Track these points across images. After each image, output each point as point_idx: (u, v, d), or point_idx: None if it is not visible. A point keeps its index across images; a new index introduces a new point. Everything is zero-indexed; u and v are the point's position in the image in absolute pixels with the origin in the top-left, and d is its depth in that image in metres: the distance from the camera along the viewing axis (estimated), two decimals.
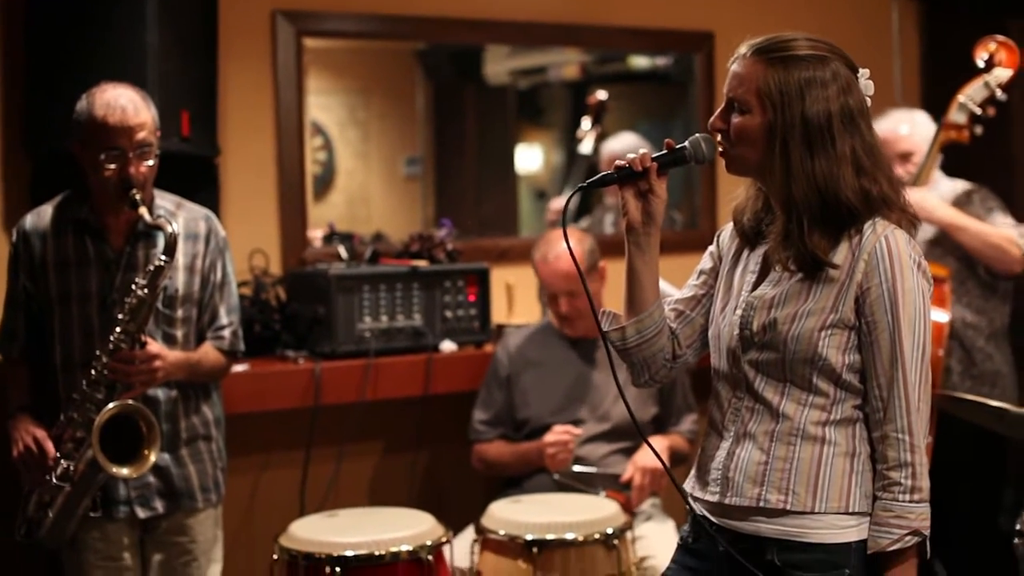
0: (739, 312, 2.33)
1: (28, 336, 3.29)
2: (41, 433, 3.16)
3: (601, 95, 5.17)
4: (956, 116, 4.06)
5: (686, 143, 2.37)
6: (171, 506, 3.29)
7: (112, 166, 3.10)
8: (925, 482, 2.22)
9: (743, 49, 2.29)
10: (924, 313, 2.22)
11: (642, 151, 2.35)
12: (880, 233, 2.22)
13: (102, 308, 3.19)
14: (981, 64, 4.08)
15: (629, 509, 3.72)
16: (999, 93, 4.06)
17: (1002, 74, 4.04)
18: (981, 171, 4.43)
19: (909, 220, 2.30)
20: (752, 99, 2.25)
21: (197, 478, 3.32)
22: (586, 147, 5.13)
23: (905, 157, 4.25)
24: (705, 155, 2.36)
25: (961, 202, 4.20)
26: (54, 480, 3.10)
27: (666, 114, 5.98)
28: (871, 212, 2.24)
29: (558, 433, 3.88)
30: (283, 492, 4.24)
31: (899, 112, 4.44)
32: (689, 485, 2.45)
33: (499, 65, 5.43)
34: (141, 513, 3.24)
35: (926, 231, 4.16)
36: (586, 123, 5.14)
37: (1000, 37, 4.10)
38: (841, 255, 2.24)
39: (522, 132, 5.63)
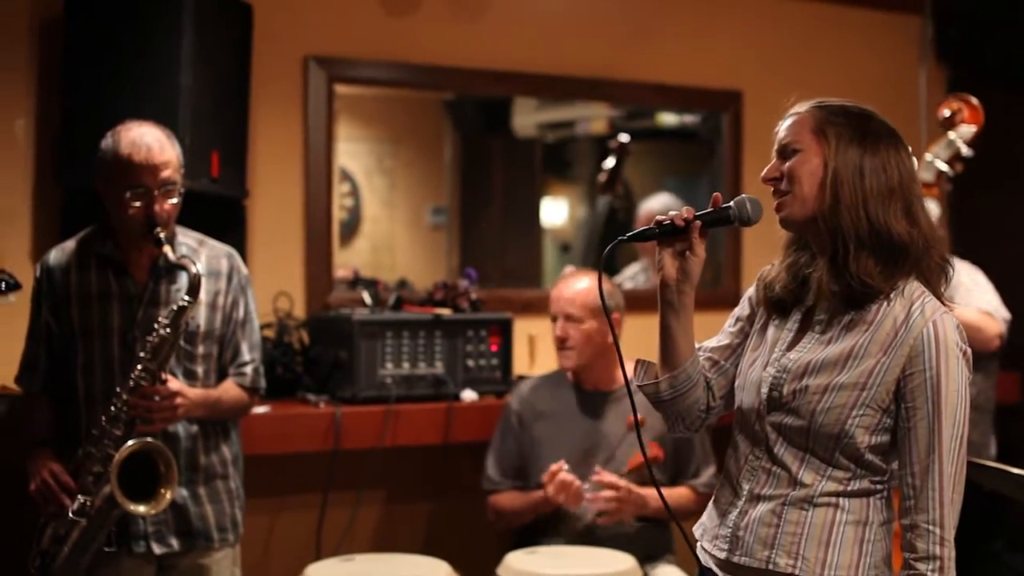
0: (770, 371, 2.30)
1: (49, 369, 3.29)
2: (59, 468, 3.15)
3: (623, 138, 5.28)
4: (923, 174, 4.06)
5: (731, 203, 2.32)
6: (187, 545, 3.27)
7: (137, 204, 3.11)
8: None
9: (797, 107, 2.30)
10: (965, 403, 2.18)
11: (685, 208, 2.32)
12: (929, 317, 2.18)
13: (123, 343, 3.20)
14: (943, 121, 4.18)
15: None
16: (965, 149, 4.12)
17: (966, 130, 4.13)
18: None
19: (941, 266, 2.27)
20: (807, 137, 2.24)
21: (214, 517, 3.31)
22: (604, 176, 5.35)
23: None
24: (750, 216, 2.31)
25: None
26: (71, 514, 3.10)
27: (693, 172, 5.99)
28: (917, 249, 2.22)
29: (549, 477, 3.79)
30: (300, 534, 4.23)
31: None
32: (698, 531, 2.43)
33: (527, 118, 5.46)
34: (157, 549, 3.22)
35: None
36: (609, 161, 5.28)
37: (962, 94, 4.22)
38: (885, 329, 2.20)
39: (548, 185, 5.66)
